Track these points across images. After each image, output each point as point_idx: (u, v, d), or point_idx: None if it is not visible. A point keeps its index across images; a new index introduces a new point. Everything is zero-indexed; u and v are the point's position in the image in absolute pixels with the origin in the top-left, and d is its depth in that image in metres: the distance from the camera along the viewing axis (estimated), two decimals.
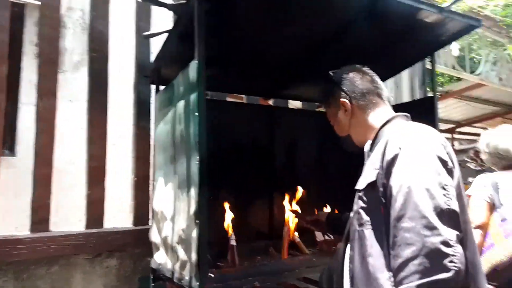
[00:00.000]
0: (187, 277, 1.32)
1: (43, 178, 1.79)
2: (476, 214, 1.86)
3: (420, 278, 0.82)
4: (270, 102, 2.82)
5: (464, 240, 0.94)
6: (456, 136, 7.96)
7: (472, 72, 4.13)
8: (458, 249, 0.85)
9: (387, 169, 0.99)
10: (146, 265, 1.92)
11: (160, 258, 1.60)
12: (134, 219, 2.02)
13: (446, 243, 0.84)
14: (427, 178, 0.91)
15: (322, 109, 3.03)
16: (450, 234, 0.85)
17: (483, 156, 2.18)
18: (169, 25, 2.33)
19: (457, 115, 6.80)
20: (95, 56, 1.99)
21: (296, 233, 1.93)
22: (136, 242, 1.91)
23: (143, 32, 2.04)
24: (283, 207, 2.05)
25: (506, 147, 2.01)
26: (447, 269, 0.82)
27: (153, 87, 2.07)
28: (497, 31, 4.28)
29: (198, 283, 1.23)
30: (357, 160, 1.34)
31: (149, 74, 2.03)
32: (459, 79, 5.60)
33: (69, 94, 2.00)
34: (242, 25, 1.59)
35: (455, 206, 0.90)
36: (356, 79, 1.28)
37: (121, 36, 2.11)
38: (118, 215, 2.07)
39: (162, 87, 1.82)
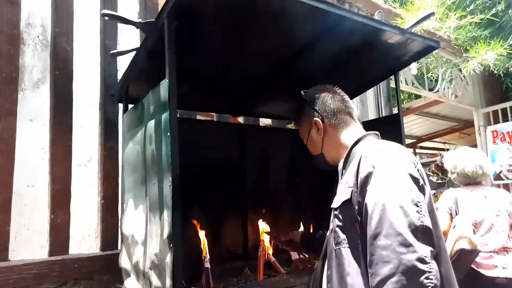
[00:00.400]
0: None
1: (1, 203, 1.67)
2: (440, 223, 2.13)
3: None
4: (240, 120, 2.82)
5: (438, 255, 0.97)
6: (417, 150, 8.31)
7: (430, 89, 4.35)
8: (433, 265, 0.87)
9: (362, 187, 1.01)
10: None
11: (131, 284, 1.53)
12: (101, 244, 1.91)
13: (421, 260, 0.85)
14: (400, 196, 0.94)
15: (292, 126, 3.07)
16: (425, 250, 0.87)
17: (451, 176, 2.65)
18: (137, 43, 2.31)
19: (417, 130, 7.12)
20: (58, 74, 1.91)
21: (271, 253, 1.91)
22: (105, 268, 1.81)
23: (110, 50, 1.99)
24: (257, 227, 2.03)
25: (472, 169, 2.47)
26: (424, 286, 0.84)
27: (120, 106, 2.01)
28: (451, 51, 4.56)
29: None
30: (330, 177, 1.36)
31: (116, 93, 1.97)
32: (417, 96, 5.88)
33: (29, 114, 1.90)
34: (209, 42, 1.60)
35: (428, 222, 0.92)
36: (327, 99, 1.32)
37: (86, 54, 2.05)
38: (85, 240, 1.97)
39: (130, 106, 1.77)
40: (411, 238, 0.87)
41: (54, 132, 1.87)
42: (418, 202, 0.94)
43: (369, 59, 1.95)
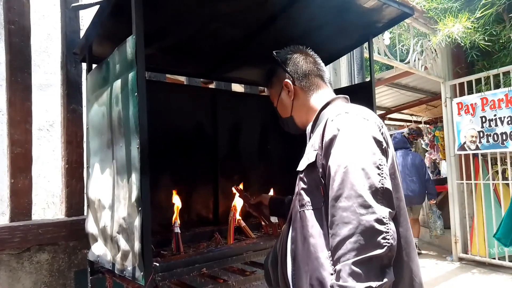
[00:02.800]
0: (129, 268, 1.25)
1: None
2: None
3: (356, 255, 0.86)
4: (212, 86, 2.75)
5: (397, 216, 1.00)
6: (386, 122, 8.52)
7: (401, 60, 4.40)
8: (391, 226, 0.89)
9: (326, 150, 1.01)
10: (83, 258, 1.79)
11: (99, 249, 1.50)
12: (67, 209, 1.85)
13: (379, 221, 0.88)
14: (363, 158, 0.95)
15: (265, 93, 3.03)
16: (384, 212, 0.89)
17: None
18: None
19: (387, 101, 7.26)
20: (13, 29, 1.76)
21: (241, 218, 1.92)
22: (70, 234, 1.76)
23: (71, 3, 1.84)
24: (228, 193, 2.02)
25: None
26: (381, 246, 0.86)
27: (84, 65, 1.89)
28: (423, 22, 4.59)
29: (142, 273, 1.17)
30: (301, 142, 1.35)
31: (78, 51, 1.85)
32: (388, 68, 5.96)
33: None
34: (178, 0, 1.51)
35: (388, 184, 0.95)
36: (300, 60, 1.28)
37: (46, 7, 1.90)
38: (49, 207, 1.90)
39: (94, 66, 1.67)
40: (370, 200, 0.89)
41: (11, 92, 1.74)
42: (380, 164, 0.95)
43: (344, 24, 1.93)
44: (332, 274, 0.94)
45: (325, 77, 1.29)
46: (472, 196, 4.84)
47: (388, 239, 0.87)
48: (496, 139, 4.39)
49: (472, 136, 4.61)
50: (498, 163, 4.55)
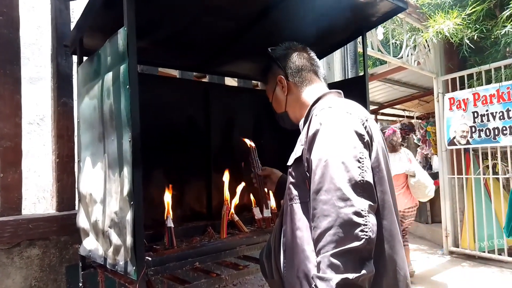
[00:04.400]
0: (121, 262, 1.24)
1: None
2: None
3: (335, 248, 0.87)
4: (206, 80, 2.73)
5: (380, 209, 1.00)
6: (379, 117, 8.55)
7: (394, 56, 4.41)
8: (370, 219, 0.90)
9: (310, 144, 1.02)
10: (74, 253, 1.78)
11: (90, 244, 1.48)
12: (58, 204, 1.83)
13: (358, 214, 0.88)
14: (343, 151, 0.95)
15: (258, 87, 3.02)
16: (362, 204, 0.90)
17: None
18: None
19: (380, 97, 7.29)
20: (2, 20, 1.72)
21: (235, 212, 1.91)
22: (62, 229, 1.74)
23: None
24: (221, 187, 2.01)
25: None
26: (359, 238, 0.87)
27: (75, 58, 1.86)
28: (416, 17, 4.60)
29: (134, 267, 1.16)
30: (293, 137, 1.35)
31: (69, 43, 1.82)
32: (381, 63, 5.97)
33: None
34: None
35: (369, 178, 0.95)
36: (293, 56, 1.30)
37: None
38: (40, 202, 1.87)
39: (85, 58, 1.64)
40: (349, 193, 0.90)
41: (0, 85, 1.71)
42: (361, 158, 0.96)
43: (338, 18, 1.91)
44: (315, 266, 0.95)
45: (319, 73, 1.30)
46: (463, 190, 4.90)
47: (366, 232, 0.87)
48: (488, 134, 4.44)
49: (463, 131, 4.65)
50: (489, 158, 4.60)
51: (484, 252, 4.61)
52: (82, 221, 1.56)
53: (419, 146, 7.90)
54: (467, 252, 4.79)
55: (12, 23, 1.75)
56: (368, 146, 1.01)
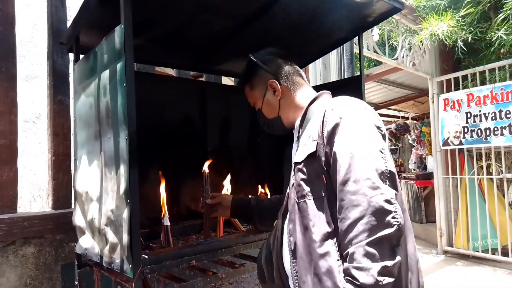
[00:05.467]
0: (117, 260, 1.24)
1: None
2: None
3: (369, 236, 0.88)
4: (203, 79, 2.73)
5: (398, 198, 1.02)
6: None
7: (389, 56, 4.44)
8: (398, 206, 0.93)
9: (329, 138, 1.03)
10: (70, 251, 1.77)
11: (86, 242, 1.48)
12: (53, 202, 1.82)
13: (388, 201, 0.91)
14: (367, 143, 0.98)
15: None
16: (391, 193, 0.93)
17: None
18: None
19: (375, 97, 7.32)
20: None
21: None
22: (57, 227, 1.73)
23: None
24: (217, 186, 2.01)
25: None
26: (391, 225, 0.89)
27: (71, 56, 1.85)
28: (412, 19, 4.63)
29: (130, 265, 1.16)
30: (290, 137, 1.36)
31: (65, 41, 1.81)
32: (376, 64, 6.00)
33: None
34: None
35: (392, 167, 0.99)
36: (280, 61, 1.34)
37: None
38: (35, 200, 1.86)
39: (82, 56, 1.64)
40: (378, 182, 0.92)
41: None
42: (382, 149, 0.99)
43: (334, 18, 1.92)
44: (338, 260, 0.95)
45: (304, 76, 1.36)
46: (458, 190, 4.93)
47: (397, 219, 0.89)
48: (479, 134, 4.48)
49: (456, 132, 4.69)
50: (483, 158, 4.64)
51: (478, 251, 4.64)
52: (78, 219, 1.56)
53: (413, 146, 7.95)
54: (461, 252, 4.83)
55: (7, 20, 1.74)
56: (384, 137, 1.05)
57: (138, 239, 1.19)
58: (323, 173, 1.03)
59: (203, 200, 1.62)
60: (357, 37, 2.14)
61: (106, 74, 1.35)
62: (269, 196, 2.06)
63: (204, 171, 1.69)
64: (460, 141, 4.66)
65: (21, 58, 1.84)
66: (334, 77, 3.43)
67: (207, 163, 1.75)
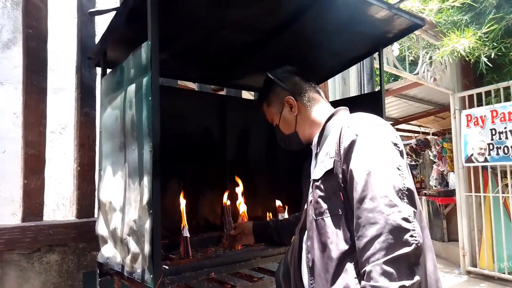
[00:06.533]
0: (139, 270, 1.26)
1: None
2: None
3: (386, 255, 0.86)
4: (223, 92, 2.77)
5: (417, 216, 1.00)
6: None
7: (410, 72, 4.40)
8: (416, 224, 0.91)
9: (346, 155, 1.03)
10: (92, 260, 1.81)
11: (108, 251, 1.51)
12: (77, 211, 1.87)
13: (406, 219, 0.89)
14: (383, 161, 0.98)
15: None
16: (409, 210, 0.91)
17: None
18: (117, 2, 2.20)
19: (395, 112, 7.25)
20: (31, 33, 1.80)
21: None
22: (80, 235, 1.78)
23: (87, 9, 1.89)
24: (235, 199, 2.03)
25: None
26: (409, 244, 0.87)
27: (98, 70, 1.93)
28: (432, 34, 4.60)
29: (151, 276, 1.17)
30: (308, 152, 1.37)
31: (93, 56, 1.89)
32: (396, 78, 5.95)
33: None
34: (191, 6, 1.54)
35: (410, 184, 0.97)
36: (296, 78, 1.38)
37: (62, 13, 1.94)
38: (59, 209, 1.92)
39: (108, 71, 1.70)
40: (395, 199, 0.91)
41: (27, 95, 1.78)
42: (400, 166, 0.98)
43: (354, 35, 1.94)
44: (355, 278, 0.94)
45: (321, 92, 1.38)
46: (481, 208, 4.79)
47: (415, 237, 0.87)
48: (506, 151, 4.36)
49: (481, 148, 4.58)
50: (508, 176, 4.50)
51: (504, 273, 4.47)
52: (101, 229, 1.59)
53: (434, 162, 7.78)
54: (486, 273, 4.66)
55: (40, 36, 1.83)
56: (402, 154, 1.04)
57: (159, 250, 1.21)
58: (340, 190, 1.03)
59: (227, 232, 1.68)
60: (377, 52, 2.14)
61: (132, 88, 1.40)
62: (286, 210, 2.06)
63: (225, 204, 1.74)
64: (485, 158, 4.55)
65: (50, 71, 1.93)
66: (353, 92, 3.42)
67: (226, 194, 1.79)
